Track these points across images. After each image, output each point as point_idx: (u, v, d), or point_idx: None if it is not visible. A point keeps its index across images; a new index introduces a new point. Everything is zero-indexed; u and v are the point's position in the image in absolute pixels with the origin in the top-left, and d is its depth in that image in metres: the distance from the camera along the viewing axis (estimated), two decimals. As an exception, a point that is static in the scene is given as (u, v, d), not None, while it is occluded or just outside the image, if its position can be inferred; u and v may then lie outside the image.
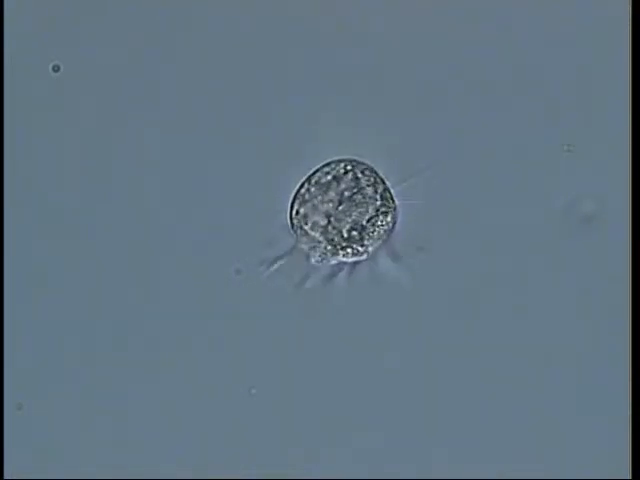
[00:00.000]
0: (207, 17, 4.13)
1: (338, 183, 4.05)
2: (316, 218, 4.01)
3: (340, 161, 4.08)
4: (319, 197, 4.01)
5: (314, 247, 3.99)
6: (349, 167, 4.06)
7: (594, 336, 4.07)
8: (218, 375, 4.09)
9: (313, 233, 3.99)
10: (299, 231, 4.05)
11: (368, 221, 4.06)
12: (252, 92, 4.13)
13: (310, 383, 4.09)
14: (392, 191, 4.09)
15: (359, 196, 4.04)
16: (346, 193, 4.04)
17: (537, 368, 4.07)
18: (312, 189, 4.04)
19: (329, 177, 4.05)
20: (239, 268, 4.09)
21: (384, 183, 4.09)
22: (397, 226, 4.11)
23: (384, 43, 4.10)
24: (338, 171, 4.06)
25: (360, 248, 4.05)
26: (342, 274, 4.09)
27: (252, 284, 4.09)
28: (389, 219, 4.07)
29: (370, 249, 4.07)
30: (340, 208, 4.03)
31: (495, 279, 4.09)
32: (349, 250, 4.04)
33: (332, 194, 4.04)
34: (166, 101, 4.13)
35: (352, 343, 4.09)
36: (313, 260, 4.03)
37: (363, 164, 4.08)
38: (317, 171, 4.09)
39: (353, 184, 4.05)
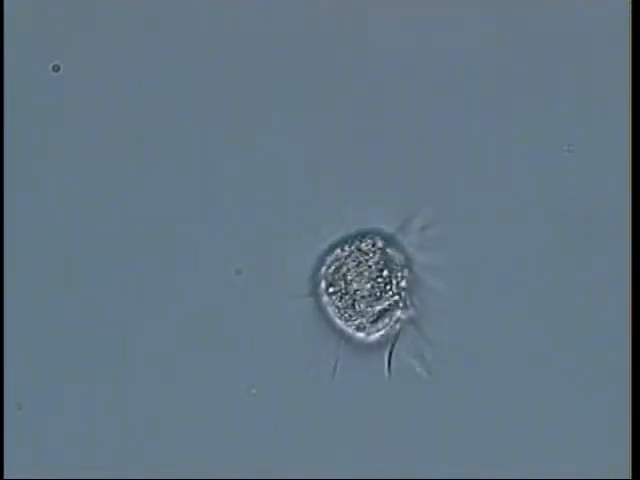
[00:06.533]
0: (209, 17, 4.13)
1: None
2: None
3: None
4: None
5: None
6: None
7: (594, 331, 4.08)
8: (218, 374, 4.10)
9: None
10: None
11: None
12: (254, 93, 4.15)
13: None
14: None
15: None
16: None
17: (536, 365, 4.08)
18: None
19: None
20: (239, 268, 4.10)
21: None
22: None
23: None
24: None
25: None
26: None
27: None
28: None
29: None
30: None
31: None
32: None
33: None
34: (167, 101, 4.14)
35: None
36: None
37: None
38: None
39: None
